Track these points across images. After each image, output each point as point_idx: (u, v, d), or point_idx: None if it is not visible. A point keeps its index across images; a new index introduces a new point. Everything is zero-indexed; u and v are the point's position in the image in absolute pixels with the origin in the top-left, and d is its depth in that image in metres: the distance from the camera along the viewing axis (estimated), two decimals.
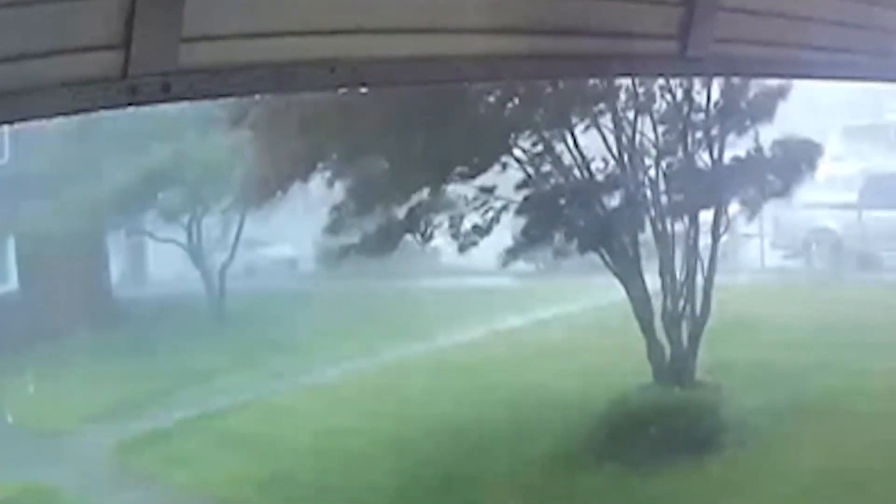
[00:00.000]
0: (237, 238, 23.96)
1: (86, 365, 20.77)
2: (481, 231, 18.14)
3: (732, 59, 5.11)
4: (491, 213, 18.13)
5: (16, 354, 19.99)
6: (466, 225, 18.26)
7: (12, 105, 3.43)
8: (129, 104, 3.60)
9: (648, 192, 17.93)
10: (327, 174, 18.24)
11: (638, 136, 17.79)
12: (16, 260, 23.82)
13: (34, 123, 4.07)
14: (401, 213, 17.99)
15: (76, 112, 3.68)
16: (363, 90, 11.59)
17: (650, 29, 4.61)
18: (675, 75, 11.71)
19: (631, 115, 17.79)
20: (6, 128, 17.48)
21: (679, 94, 17.70)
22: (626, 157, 17.78)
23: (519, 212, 18.14)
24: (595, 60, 4.62)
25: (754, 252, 24.26)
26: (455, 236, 18.33)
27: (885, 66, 5.57)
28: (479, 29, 4.17)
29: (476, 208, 18.12)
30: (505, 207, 18.17)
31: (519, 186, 18.05)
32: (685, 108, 17.70)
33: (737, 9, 4.71)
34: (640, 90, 17.61)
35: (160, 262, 26.75)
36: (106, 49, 3.45)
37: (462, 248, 18.47)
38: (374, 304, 23.01)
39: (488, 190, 18.00)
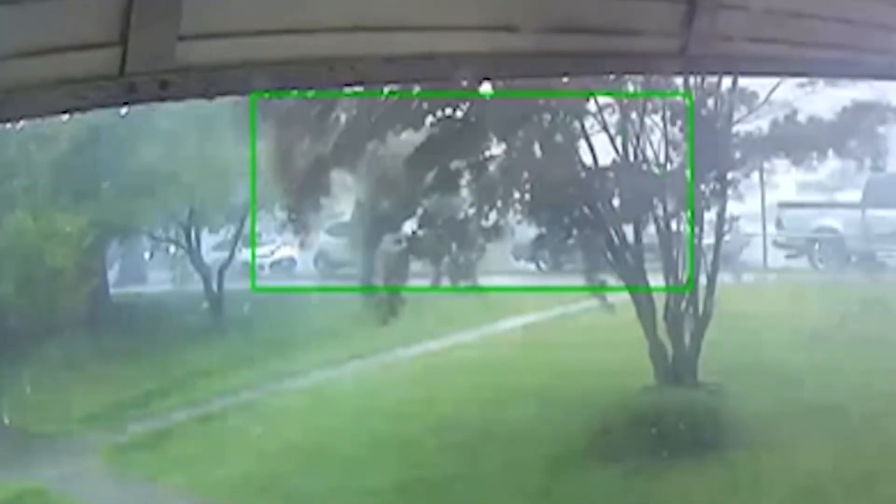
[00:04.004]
0: (237, 238, 23.92)
1: (83, 365, 20.72)
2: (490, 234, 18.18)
3: (734, 57, 5.09)
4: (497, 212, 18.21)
5: (13, 355, 19.94)
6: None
7: (9, 103, 3.41)
8: (126, 102, 3.57)
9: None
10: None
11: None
12: (13, 259, 23.73)
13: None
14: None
15: (73, 110, 3.65)
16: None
17: (651, 26, 4.59)
18: (675, 73, 11.72)
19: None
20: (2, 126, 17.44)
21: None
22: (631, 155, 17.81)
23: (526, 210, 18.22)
24: (595, 58, 4.60)
25: (757, 251, 24.21)
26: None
27: (888, 64, 5.54)
28: (477, 26, 4.16)
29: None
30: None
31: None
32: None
33: (738, 6, 4.68)
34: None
35: (160, 262, 26.73)
36: (103, 47, 3.43)
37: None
38: (373, 304, 22.93)
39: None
